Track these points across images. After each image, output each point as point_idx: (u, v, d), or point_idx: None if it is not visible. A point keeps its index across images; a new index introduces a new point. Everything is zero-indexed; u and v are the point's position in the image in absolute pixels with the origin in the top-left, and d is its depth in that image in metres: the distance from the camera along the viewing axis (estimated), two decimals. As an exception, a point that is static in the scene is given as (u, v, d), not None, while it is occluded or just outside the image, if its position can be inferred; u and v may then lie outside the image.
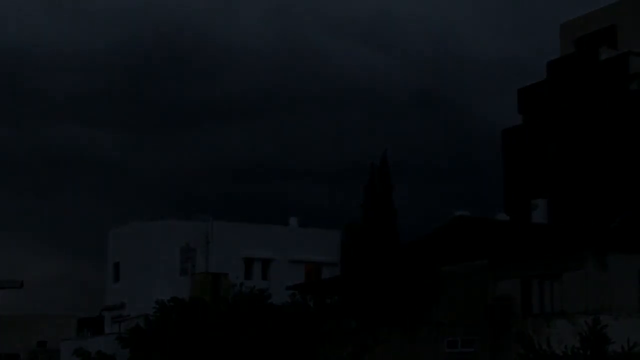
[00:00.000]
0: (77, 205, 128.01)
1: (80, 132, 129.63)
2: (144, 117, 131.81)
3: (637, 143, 45.75)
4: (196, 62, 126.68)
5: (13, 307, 68.55)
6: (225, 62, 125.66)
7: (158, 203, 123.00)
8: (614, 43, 49.32)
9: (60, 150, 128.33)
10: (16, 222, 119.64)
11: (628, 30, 49.02)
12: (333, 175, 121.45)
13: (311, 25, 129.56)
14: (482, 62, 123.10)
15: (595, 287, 34.85)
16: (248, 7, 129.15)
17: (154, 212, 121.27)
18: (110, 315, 62.29)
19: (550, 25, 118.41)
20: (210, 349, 42.98)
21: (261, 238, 61.80)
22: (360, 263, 55.23)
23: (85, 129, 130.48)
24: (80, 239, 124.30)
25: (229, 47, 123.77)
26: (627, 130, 46.19)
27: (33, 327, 76.84)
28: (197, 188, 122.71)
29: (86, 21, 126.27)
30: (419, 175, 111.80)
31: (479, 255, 38.96)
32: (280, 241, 62.28)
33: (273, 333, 42.98)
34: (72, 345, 57.18)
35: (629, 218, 42.54)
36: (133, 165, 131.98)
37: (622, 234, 39.14)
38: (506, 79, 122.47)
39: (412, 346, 39.31)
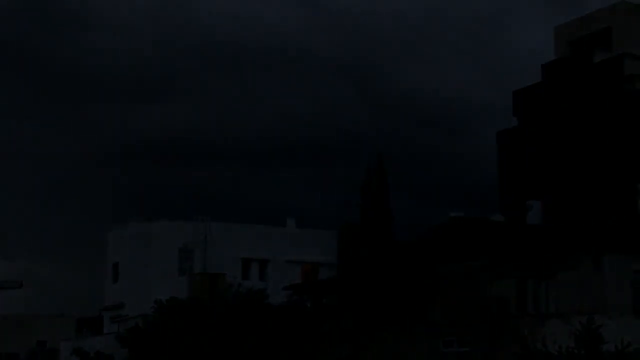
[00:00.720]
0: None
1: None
2: (29, 89, 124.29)
3: (632, 144, 46.10)
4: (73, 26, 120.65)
5: (13, 307, 68.74)
6: (115, 30, 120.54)
7: (55, 189, 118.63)
8: (608, 45, 49.66)
9: None
10: None
11: (622, 33, 49.36)
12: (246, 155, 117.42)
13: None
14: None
15: (590, 287, 35.16)
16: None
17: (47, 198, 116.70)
18: (109, 315, 62.56)
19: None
20: (209, 348, 43.23)
21: (259, 239, 62.17)
22: (357, 263, 55.53)
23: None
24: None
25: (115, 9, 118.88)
26: (622, 132, 46.53)
27: (33, 327, 76.98)
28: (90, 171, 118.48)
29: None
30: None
31: (475, 256, 39.27)
32: (278, 242, 62.65)
33: (271, 333, 43.24)
34: (71, 345, 57.47)
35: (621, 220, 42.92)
36: (22, 147, 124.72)
37: (617, 235, 39.47)
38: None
39: (409, 346, 39.57)
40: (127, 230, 62.66)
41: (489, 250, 38.91)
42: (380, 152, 61.68)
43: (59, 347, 63.68)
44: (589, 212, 45.48)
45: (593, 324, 29.74)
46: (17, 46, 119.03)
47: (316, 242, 62.90)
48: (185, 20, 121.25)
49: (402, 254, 45.96)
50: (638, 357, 29.88)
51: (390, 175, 60.97)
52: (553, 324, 33.77)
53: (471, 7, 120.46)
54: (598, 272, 35.29)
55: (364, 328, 43.22)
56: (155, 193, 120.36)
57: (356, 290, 46.59)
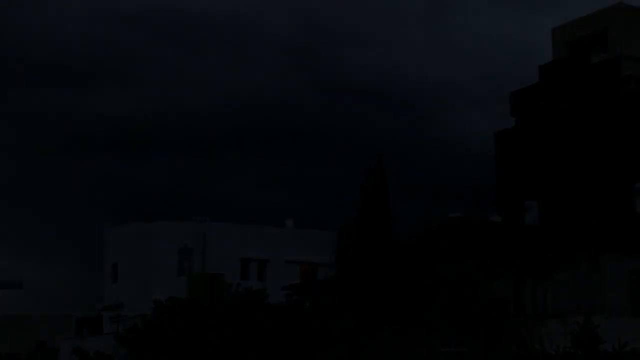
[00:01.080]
0: None
1: None
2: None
3: (629, 144, 46.28)
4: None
5: (13, 307, 68.82)
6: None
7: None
8: (605, 47, 49.84)
9: None
10: None
11: (619, 34, 49.55)
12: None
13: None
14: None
15: (587, 287, 35.33)
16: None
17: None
18: (109, 315, 62.68)
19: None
20: (208, 348, 43.34)
21: (257, 239, 62.30)
22: (355, 263, 55.57)
23: None
24: None
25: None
26: (619, 132, 46.72)
27: (33, 327, 77.06)
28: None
29: None
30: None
31: (473, 256, 39.40)
32: (277, 242, 62.79)
33: (270, 333, 43.36)
34: (71, 345, 57.62)
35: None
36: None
37: (614, 236, 39.62)
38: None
39: (408, 345, 39.71)
40: (126, 230, 62.81)
41: (488, 250, 39.04)
42: (380, 152, 61.76)
43: (59, 347, 63.82)
44: (586, 212, 45.66)
45: (590, 324, 29.91)
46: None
47: (315, 242, 63.01)
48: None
49: (401, 254, 46.08)
50: (635, 357, 30.06)
51: (390, 174, 61.07)
52: (551, 324, 33.92)
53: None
54: (596, 272, 35.45)
55: (363, 328, 43.34)
56: (149, 191, 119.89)
57: (355, 290, 46.69)
